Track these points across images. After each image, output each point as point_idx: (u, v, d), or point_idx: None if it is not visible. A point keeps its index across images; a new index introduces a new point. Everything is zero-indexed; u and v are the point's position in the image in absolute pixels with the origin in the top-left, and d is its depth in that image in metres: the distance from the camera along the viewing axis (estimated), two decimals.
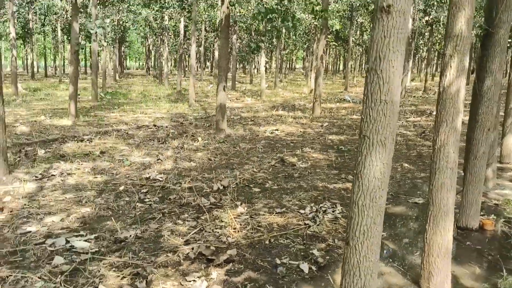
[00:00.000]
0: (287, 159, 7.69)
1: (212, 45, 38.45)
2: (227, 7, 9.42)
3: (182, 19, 21.71)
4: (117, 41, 34.90)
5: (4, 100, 6.05)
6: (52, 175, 6.21)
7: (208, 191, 5.68)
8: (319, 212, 4.86)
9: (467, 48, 3.06)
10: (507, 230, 4.52)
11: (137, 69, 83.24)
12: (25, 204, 4.95)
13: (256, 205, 5.18)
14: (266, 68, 56.43)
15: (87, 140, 8.90)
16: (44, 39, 41.33)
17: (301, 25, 33.10)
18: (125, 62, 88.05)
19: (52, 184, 5.81)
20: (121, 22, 33.84)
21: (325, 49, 13.08)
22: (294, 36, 35.46)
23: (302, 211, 4.95)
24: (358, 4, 25.06)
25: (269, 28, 7.50)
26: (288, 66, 61.72)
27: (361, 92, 26.72)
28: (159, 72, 33.46)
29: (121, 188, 5.71)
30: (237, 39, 29.01)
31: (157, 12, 26.45)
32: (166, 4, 20.43)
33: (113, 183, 5.96)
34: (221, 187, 5.84)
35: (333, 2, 26.30)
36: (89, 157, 7.47)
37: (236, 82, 35.38)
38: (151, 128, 10.94)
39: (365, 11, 25.72)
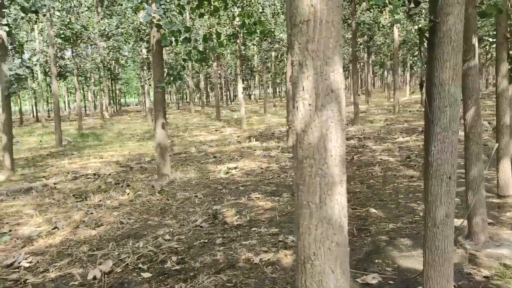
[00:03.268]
0: (223, 213, 6.01)
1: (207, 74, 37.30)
2: (158, 31, 7.95)
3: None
4: (107, 78, 34.03)
5: None
6: None
7: (76, 285, 4.01)
8: None
9: (332, 46, 1.41)
10: None
11: (136, 105, 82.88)
12: None
13: None
14: (250, 95, 55.27)
15: None
16: (33, 83, 40.67)
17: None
18: (124, 99, 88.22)
19: None
20: (106, 59, 32.95)
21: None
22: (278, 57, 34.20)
23: None
24: None
25: (190, 49, 6.05)
26: (285, 89, 60.60)
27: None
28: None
29: None
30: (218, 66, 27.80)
31: (134, 47, 25.47)
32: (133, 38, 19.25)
33: None
34: (100, 274, 4.16)
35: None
36: None
37: (228, 111, 34.06)
38: (89, 177, 9.38)
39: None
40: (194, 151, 12.56)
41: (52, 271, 4.32)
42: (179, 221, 5.78)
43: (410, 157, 9.09)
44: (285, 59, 37.35)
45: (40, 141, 17.85)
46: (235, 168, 9.33)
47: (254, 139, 14.22)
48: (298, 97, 1.42)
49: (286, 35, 21.49)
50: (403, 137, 12.13)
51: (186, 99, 75.53)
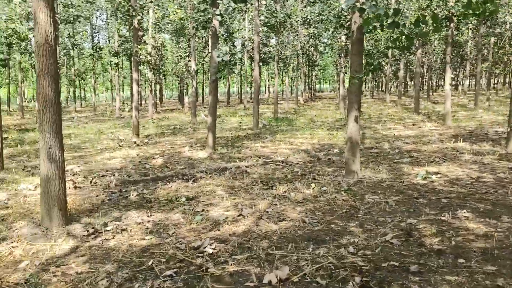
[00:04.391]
0: (419, 229, 5.05)
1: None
2: (360, 16, 7.26)
3: None
4: (304, 64, 35.14)
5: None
6: (106, 230, 5.33)
7: (251, 286, 3.78)
8: None
9: None
10: None
11: (330, 91, 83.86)
12: (26, 280, 4.05)
13: None
14: (456, 85, 48.64)
15: (193, 180, 8.00)
16: (241, 68, 45.00)
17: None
18: (319, 85, 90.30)
19: (90, 245, 4.87)
20: (306, 46, 33.93)
21: None
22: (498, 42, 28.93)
23: None
24: None
25: (396, 36, 5.17)
26: (502, 81, 51.77)
27: None
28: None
29: (150, 262, 4.34)
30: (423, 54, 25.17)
31: (333, 34, 25.24)
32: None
33: (151, 251, 4.65)
34: (275, 280, 3.85)
35: None
36: (170, 204, 6.44)
37: (428, 103, 31.02)
38: (278, 164, 9.45)
39: None
40: (387, 147, 11.51)
41: (231, 265, 4.22)
42: (366, 231, 5.09)
43: None
44: (507, 45, 31.64)
45: (240, 122, 19.38)
46: (436, 173, 8.02)
47: (461, 139, 12.23)
48: None
49: None
50: None
51: (381, 88, 72.51)
